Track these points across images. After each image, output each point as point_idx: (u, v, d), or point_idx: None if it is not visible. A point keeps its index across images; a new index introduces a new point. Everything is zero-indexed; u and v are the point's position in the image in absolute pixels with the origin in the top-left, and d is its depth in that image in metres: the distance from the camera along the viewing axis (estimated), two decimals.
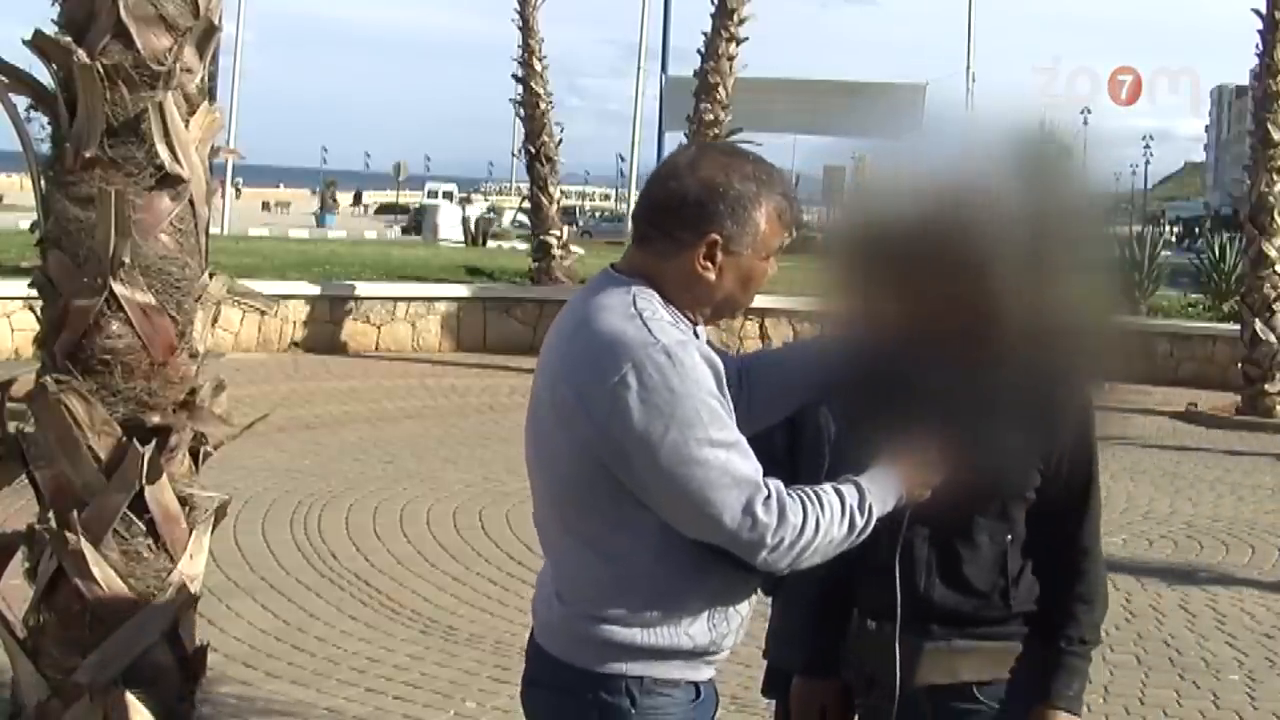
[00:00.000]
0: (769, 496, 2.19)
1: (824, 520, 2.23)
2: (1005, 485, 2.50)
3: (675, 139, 18.16)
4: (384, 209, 75.36)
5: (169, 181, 2.77)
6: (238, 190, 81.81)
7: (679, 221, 2.26)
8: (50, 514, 2.77)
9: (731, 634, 2.34)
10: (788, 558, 2.21)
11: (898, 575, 2.48)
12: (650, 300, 2.25)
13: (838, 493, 2.27)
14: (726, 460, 2.18)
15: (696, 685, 2.34)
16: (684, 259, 2.27)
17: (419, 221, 57.10)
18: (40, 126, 2.90)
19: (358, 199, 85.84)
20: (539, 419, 2.32)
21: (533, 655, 2.40)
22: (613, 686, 2.26)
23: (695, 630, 2.28)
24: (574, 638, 2.29)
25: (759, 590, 2.43)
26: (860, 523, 2.27)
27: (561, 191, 22.45)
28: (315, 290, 15.80)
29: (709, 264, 2.27)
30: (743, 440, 2.22)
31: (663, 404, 2.15)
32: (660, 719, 2.29)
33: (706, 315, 2.34)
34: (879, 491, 2.30)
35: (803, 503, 2.22)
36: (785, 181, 2.35)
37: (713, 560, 2.25)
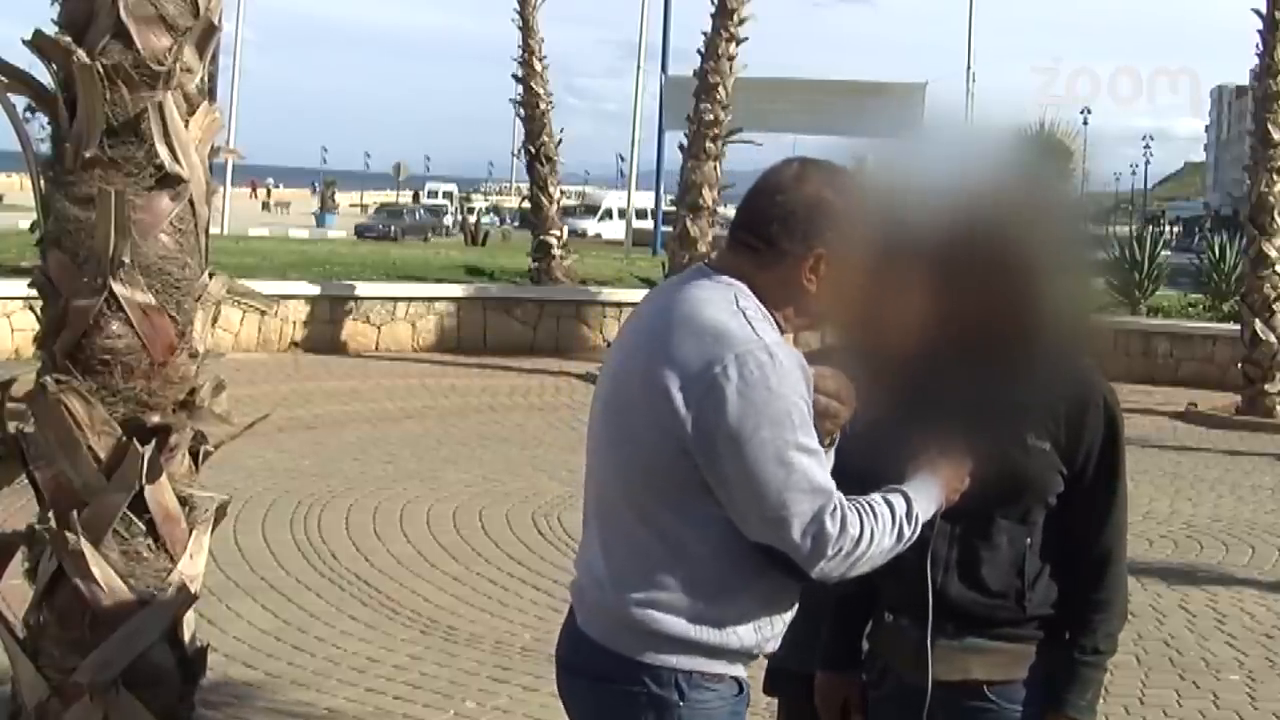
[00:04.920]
0: (836, 509, 2.23)
1: (878, 532, 2.28)
2: (1029, 486, 2.50)
3: (675, 139, 18.13)
4: (383, 209, 74.43)
5: (169, 181, 2.77)
6: (268, 191, 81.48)
7: (787, 234, 2.32)
8: (50, 514, 2.77)
9: (774, 639, 2.38)
10: (842, 568, 2.26)
11: (929, 578, 2.49)
12: (750, 300, 2.30)
13: (887, 503, 2.32)
14: (808, 466, 2.22)
15: (739, 681, 2.37)
16: (787, 270, 2.33)
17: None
18: (40, 126, 2.91)
19: (416, 199, 72.48)
20: (623, 398, 2.34)
21: (574, 642, 2.40)
22: (662, 678, 2.29)
23: (742, 631, 2.32)
24: (623, 625, 2.30)
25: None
26: (908, 533, 2.33)
27: (561, 191, 22.44)
28: (315, 290, 15.79)
29: (813, 276, 2.32)
30: (822, 451, 2.27)
31: (759, 400, 2.19)
32: (707, 712, 2.32)
33: (798, 325, 2.39)
34: (923, 501, 2.37)
35: (860, 514, 2.27)
36: (872, 194, 2.42)
37: (767, 564, 2.28)
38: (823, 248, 2.31)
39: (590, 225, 52.52)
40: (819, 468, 2.24)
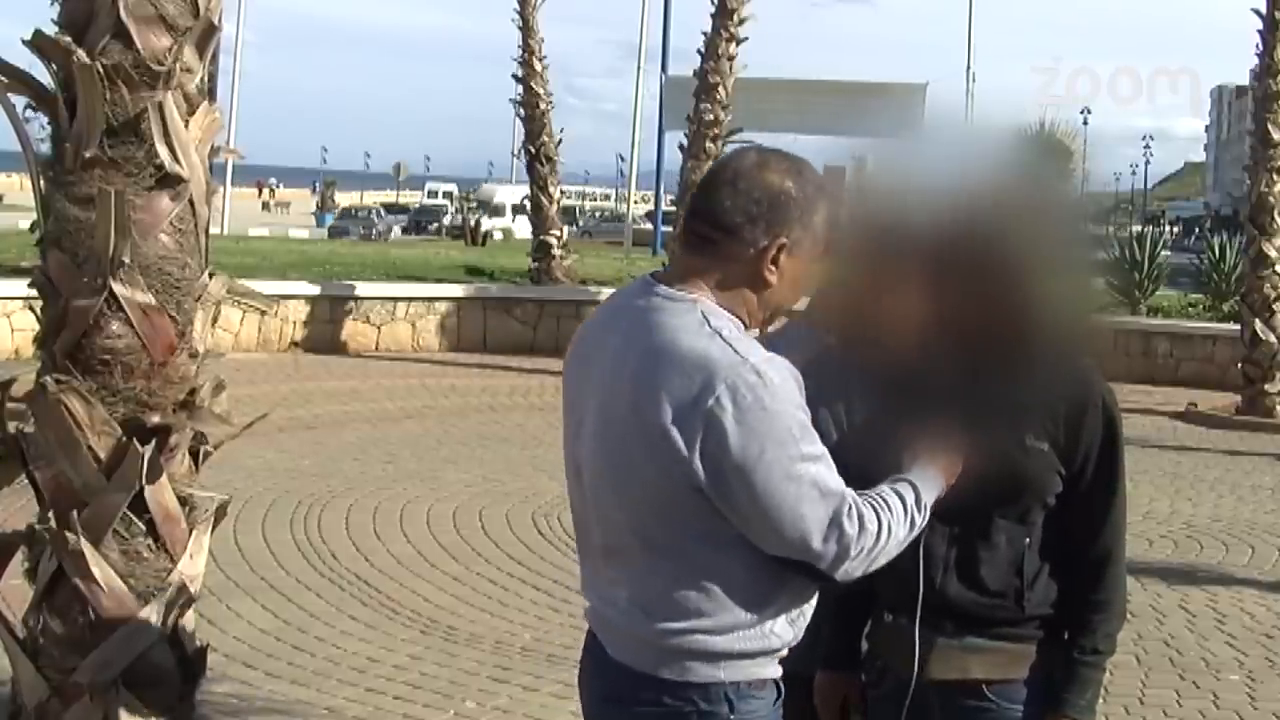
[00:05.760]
0: (851, 508, 2.22)
1: (894, 524, 2.28)
2: (1027, 486, 2.51)
3: (675, 139, 18.14)
4: (343, 212, 74.76)
5: (169, 181, 2.77)
6: (272, 191, 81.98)
7: (749, 222, 2.26)
8: (50, 514, 2.76)
9: (804, 628, 2.38)
10: (864, 565, 2.26)
11: (921, 573, 2.50)
12: (719, 315, 2.25)
13: (897, 494, 2.32)
14: (816, 474, 2.20)
15: (777, 684, 2.36)
16: (749, 261, 2.27)
17: (419, 221, 57.18)
18: (40, 126, 2.90)
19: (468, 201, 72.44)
20: (616, 441, 2.27)
21: (607, 671, 2.35)
22: (712, 695, 2.27)
23: (779, 628, 2.31)
24: (665, 651, 2.27)
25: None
26: (919, 521, 2.34)
27: (561, 191, 22.45)
28: (315, 290, 15.79)
29: (774, 267, 2.27)
30: (827, 453, 2.24)
31: (758, 424, 2.15)
32: None
33: (759, 320, 2.34)
34: (927, 488, 2.36)
35: (874, 508, 2.26)
36: (833, 187, 2.38)
37: (791, 567, 2.27)
38: (785, 237, 2.26)
39: (483, 222, 50.65)
40: (827, 471, 2.22)
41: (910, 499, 2.32)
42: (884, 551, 2.27)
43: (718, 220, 2.27)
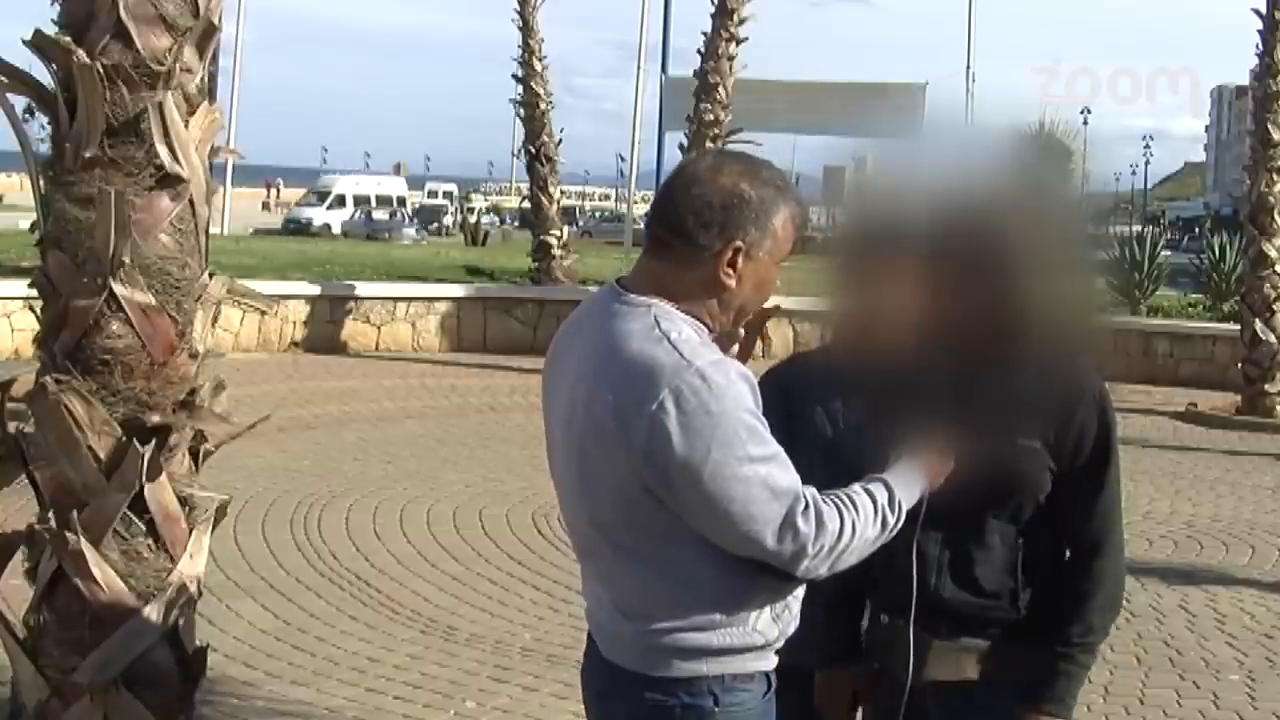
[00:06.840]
0: (807, 506, 2.22)
1: (859, 522, 2.27)
2: (1020, 485, 2.51)
3: (675, 139, 18.14)
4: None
5: (169, 181, 2.77)
6: (277, 190, 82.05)
7: (703, 228, 2.26)
8: (50, 514, 2.77)
9: (794, 620, 2.38)
10: (827, 563, 2.26)
11: (914, 574, 2.50)
12: (672, 319, 2.26)
13: (868, 493, 2.31)
14: (767, 475, 2.20)
15: (768, 676, 2.36)
16: (706, 265, 2.28)
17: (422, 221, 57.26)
18: (40, 126, 2.91)
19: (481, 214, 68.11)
20: (575, 447, 2.31)
21: (600, 668, 2.39)
22: (695, 689, 2.29)
23: (763, 625, 2.31)
24: (647, 649, 2.29)
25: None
26: (892, 520, 2.33)
27: (561, 191, 22.46)
28: (315, 290, 15.80)
29: (731, 270, 2.28)
30: (781, 451, 2.24)
31: (702, 427, 2.17)
32: (742, 714, 2.31)
33: (724, 322, 2.34)
34: (904, 488, 2.36)
35: (838, 507, 2.26)
36: (796, 188, 2.38)
37: (760, 562, 2.27)
38: (740, 241, 2.26)
39: (317, 215, 50.07)
40: (779, 471, 2.22)
41: (882, 498, 2.32)
42: (850, 550, 2.27)
43: (673, 225, 2.29)
